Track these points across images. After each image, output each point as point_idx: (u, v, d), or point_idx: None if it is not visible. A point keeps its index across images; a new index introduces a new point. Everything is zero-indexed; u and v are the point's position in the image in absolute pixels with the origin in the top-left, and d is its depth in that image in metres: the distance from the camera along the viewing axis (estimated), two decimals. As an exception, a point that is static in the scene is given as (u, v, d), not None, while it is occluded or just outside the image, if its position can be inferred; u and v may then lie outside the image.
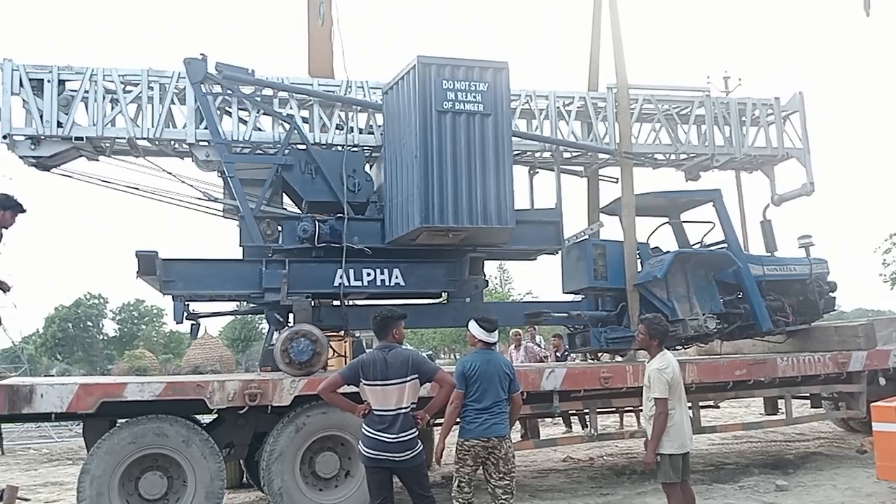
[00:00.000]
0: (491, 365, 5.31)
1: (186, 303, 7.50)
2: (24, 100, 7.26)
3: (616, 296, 8.94)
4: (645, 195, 9.06)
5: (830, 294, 9.90)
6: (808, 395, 9.82)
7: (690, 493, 5.63)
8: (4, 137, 7.20)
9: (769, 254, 9.65)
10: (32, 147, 7.29)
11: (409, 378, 4.91)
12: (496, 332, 5.52)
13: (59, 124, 7.29)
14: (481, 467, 5.23)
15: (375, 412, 4.90)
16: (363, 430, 4.96)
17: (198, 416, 6.97)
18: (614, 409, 9.21)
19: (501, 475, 5.16)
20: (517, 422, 10.39)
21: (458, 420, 5.27)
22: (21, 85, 7.23)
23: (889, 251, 36.56)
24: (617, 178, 9.26)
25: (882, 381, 9.37)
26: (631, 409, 9.04)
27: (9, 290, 6.58)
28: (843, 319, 21.42)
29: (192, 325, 7.84)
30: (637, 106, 9.22)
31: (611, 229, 9.38)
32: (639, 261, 8.93)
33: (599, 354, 10.16)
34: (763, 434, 11.39)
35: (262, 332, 47.35)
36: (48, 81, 7.28)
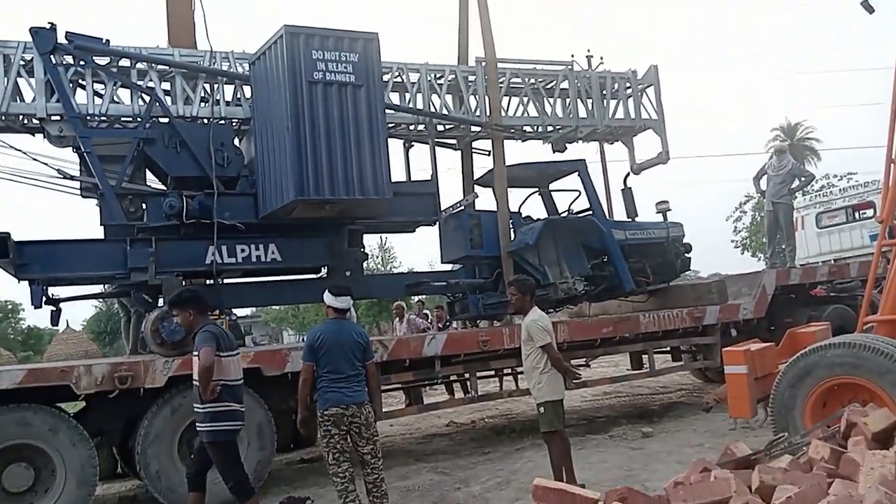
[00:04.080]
0: (341, 334, 5.28)
1: (45, 287, 7.04)
2: None
3: (492, 263, 9.22)
4: (515, 166, 9.37)
5: (686, 255, 10.66)
6: (668, 349, 10.56)
7: (567, 441, 6.01)
8: None
9: (630, 219, 10.25)
10: None
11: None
12: (347, 297, 5.46)
13: None
14: (348, 437, 5.20)
15: (231, 383, 5.05)
16: (225, 407, 4.98)
17: (65, 406, 6.60)
18: (493, 373, 9.54)
19: (365, 441, 5.20)
20: (402, 391, 10.58)
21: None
22: None
23: (740, 219, 39.66)
24: (489, 151, 9.52)
25: (734, 333, 10.18)
26: (509, 370, 9.41)
27: None
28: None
29: (52, 311, 7.38)
30: (505, 80, 9.49)
31: (485, 200, 9.67)
32: (512, 229, 9.26)
33: (478, 322, 10.45)
34: (630, 388, 12.17)
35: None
36: None
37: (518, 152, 11.08)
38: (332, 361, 5.16)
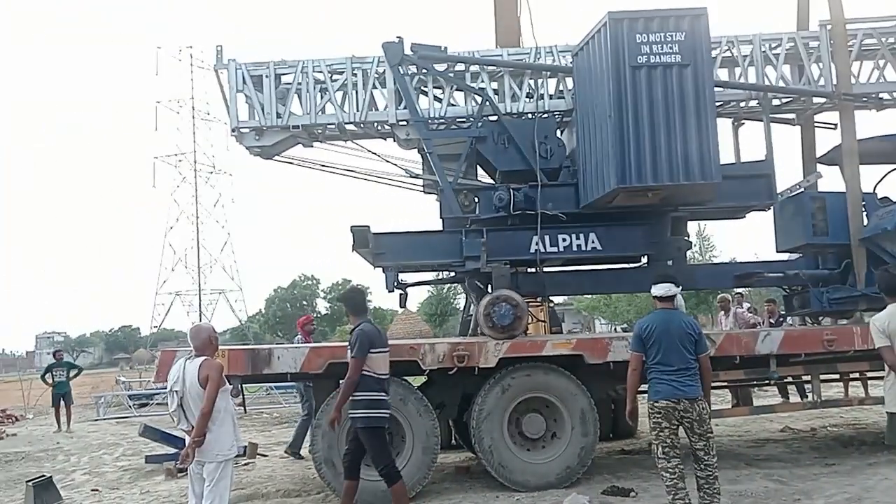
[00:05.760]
0: (671, 324, 5.10)
1: (396, 273, 7.98)
2: (247, 95, 8.04)
3: (839, 252, 8.18)
4: (869, 140, 8.16)
5: None
6: None
7: None
8: (233, 131, 8.07)
9: None
10: (257, 138, 8.09)
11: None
12: (669, 284, 5.25)
13: (278, 115, 8.01)
14: (678, 431, 5.04)
15: (380, 376, 5.67)
16: (376, 396, 5.64)
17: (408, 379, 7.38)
18: (838, 377, 8.44)
19: (698, 436, 5.00)
20: (729, 390, 9.94)
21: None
22: (244, 82, 8.02)
23: None
24: (835, 124, 8.43)
25: None
26: (857, 374, 8.26)
27: None
28: None
29: (401, 294, 8.32)
30: (856, 42, 8.29)
31: (830, 180, 8.59)
32: (864, 213, 8.10)
33: (820, 318, 9.34)
34: None
35: (456, 308, 48.80)
36: (266, 77, 8.02)
37: (872, 124, 9.65)
38: (662, 352, 5.04)
